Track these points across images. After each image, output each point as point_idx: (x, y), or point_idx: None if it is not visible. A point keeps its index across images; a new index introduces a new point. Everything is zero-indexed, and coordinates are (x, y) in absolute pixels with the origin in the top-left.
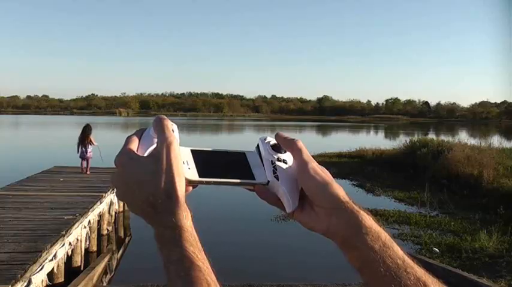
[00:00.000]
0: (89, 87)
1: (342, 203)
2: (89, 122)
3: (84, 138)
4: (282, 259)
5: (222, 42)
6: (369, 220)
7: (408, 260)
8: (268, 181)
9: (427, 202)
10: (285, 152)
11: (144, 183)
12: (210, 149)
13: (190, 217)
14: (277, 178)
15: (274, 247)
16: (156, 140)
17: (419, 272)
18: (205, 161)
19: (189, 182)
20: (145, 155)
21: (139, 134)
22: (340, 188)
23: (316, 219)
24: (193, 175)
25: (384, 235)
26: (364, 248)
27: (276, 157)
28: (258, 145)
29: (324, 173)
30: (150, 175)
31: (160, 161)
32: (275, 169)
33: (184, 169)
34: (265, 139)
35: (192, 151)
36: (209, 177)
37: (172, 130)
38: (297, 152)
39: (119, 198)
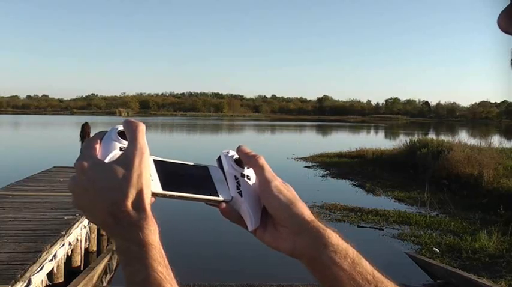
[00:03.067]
0: (89, 87)
1: (307, 223)
2: (89, 122)
3: (85, 136)
4: (282, 259)
5: (222, 42)
6: (335, 238)
7: (378, 275)
8: (232, 197)
9: (427, 202)
10: (248, 167)
11: (107, 191)
12: (172, 160)
13: (157, 232)
14: (240, 194)
15: None
16: (117, 144)
17: (390, 285)
18: (168, 173)
19: (151, 195)
20: (106, 160)
21: (100, 137)
22: (304, 207)
23: (280, 239)
24: (157, 187)
25: (352, 251)
26: (332, 266)
27: (239, 172)
28: (219, 158)
29: (289, 192)
30: (116, 183)
31: (131, 169)
32: (239, 184)
33: None
34: (227, 153)
35: (154, 160)
36: (172, 190)
37: None
38: (259, 169)
39: (75, 205)
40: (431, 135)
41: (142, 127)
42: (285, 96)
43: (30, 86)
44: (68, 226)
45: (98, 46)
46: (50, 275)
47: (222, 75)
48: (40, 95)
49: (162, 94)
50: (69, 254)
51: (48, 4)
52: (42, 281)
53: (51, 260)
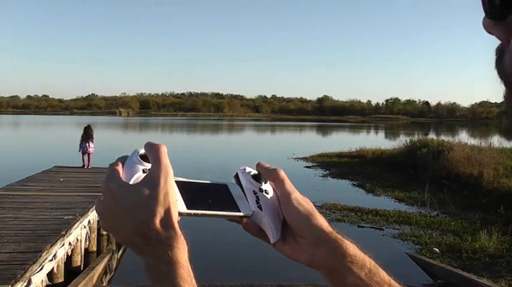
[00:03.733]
0: (89, 87)
1: (325, 234)
2: (89, 122)
3: (87, 137)
4: (283, 259)
5: (222, 42)
6: (353, 249)
7: (394, 284)
8: (253, 212)
9: (427, 202)
10: (266, 182)
11: (136, 211)
12: (193, 180)
13: (186, 250)
14: (260, 208)
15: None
16: (140, 167)
17: None
18: (190, 193)
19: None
20: (131, 182)
21: (123, 161)
22: (323, 219)
23: (300, 250)
24: (181, 207)
25: (369, 262)
26: (350, 276)
27: (258, 187)
28: (236, 175)
29: (307, 204)
30: (143, 203)
31: (157, 188)
32: (258, 199)
33: None
34: (244, 169)
35: (176, 181)
36: (196, 209)
37: None
38: (279, 182)
39: (104, 228)
40: (432, 135)
41: (164, 148)
42: (285, 96)
43: (30, 86)
44: (68, 226)
45: (98, 46)
46: (50, 275)
47: (222, 75)
48: (40, 95)
49: (162, 94)
50: (69, 254)
51: (49, 6)
52: (42, 281)
53: (51, 260)
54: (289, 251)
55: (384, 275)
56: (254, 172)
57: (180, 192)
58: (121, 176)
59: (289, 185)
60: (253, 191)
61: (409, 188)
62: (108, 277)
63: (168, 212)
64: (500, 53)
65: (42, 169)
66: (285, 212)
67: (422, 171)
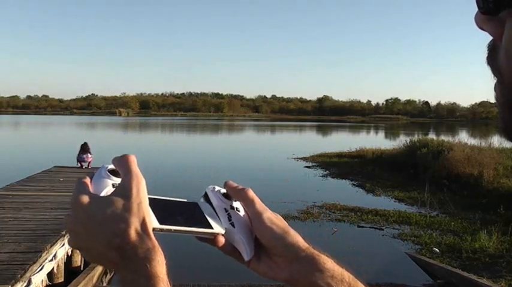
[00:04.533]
0: (89, 87)
1: (302, 251)
2: (88, 122)
3: (84, 151)
4: None
5: (222, 42)
6: (331, 263)
7: None
8: (226, 229)
9: (427, 202)
10: (236, 200)
11: (109, 223)
12: (162, 197)
13: (164, 263)
14: (232, 225)
15: None
16: (109, 181)
17: None
18: (162, 209)
19: None
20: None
21: (90, 176)
22: (297, 235)
23: (276, 268)
24: (154, 222)
25: (348, 276)
26: None
27: (229, 205)
28: (205, 195)
29: (280, 221)
30: (116, 214)
31: (130, 198)
32: (230, 216)
33: None
34: (214, 188)
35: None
36: (168, 224)
37: None
38: (249, 202)
39: (72, 244)
40: (432, 135)
41: (133, 158)
42: (285, 96)
43: (30, 86)
44: None
45: (98, 46)
46: (50, 275)
47: (222, 75)
48: (40, 95)
49: (162, 94)
50: (69, 254)
51: (49, 6)
52: (42, 281)
53: (51, 260)
54: (264, 269)
55: None
56: (224, 190)
57: (152, 208)
58: (91, 190)
59: (259, 204)
60: (225, 209)
61: (409, 188)
62: (108, 277)
63: (143, 223)
64: (492, 49)
65: (42, 169)
66: (259, 232)
67: (422, 171)
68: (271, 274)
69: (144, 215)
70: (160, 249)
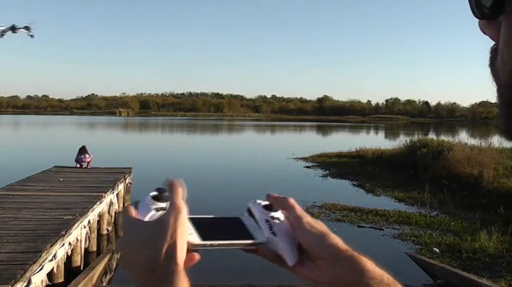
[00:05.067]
0: (89, 87)
1: (342, 252)
2: (88, 122)
3: (83, 152)
4: None
5: (222, 42)
6: (371, 265)
7: None
8: (267, 239)
9: (427, 202)
10: (277, 210)
11: (145, 247)
12: (206, 215)
13: (188, 286)
14: (274, 234)
15: None
16: (152, 206)
17: None
18: (205, 227)
19: (192, 246)
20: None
21: (135, 204)
22: (337, 238)
23: (319, 271)
24: (195, 239)
25: (387, 277)
26: None
27: (269, 216)
28: (248, 209)
29: (320, 226)
30: (152, 240)
31: (165, 226)
32: (271, 226)
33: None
34: (255, 201)
35: (190, 218)
36: (211, 240)
37: None
38: (290, 209)
39: (122, 265)
40: (431, 136)
41: (178, 188)
42: (285, 96)
43: (30, 86)
44: (68, 226)
45: (98, 46)
46: (50, 275)
47: (222, 75)
48: (40, 95)
49: (162, 94)
50: (69, 254)
51: (49, 6)
52: (42, 281)
53: (51, 260)
54: (308, 273)
55: None
56: (265, 202)
57: (195, 228)
58: (136, 216)
59: (299, 210)
60: (266, 220)
61: (409, 188)
62: (108, 277)
63: (173, 249)
64: (494, 53)
65: (42, 169)
66: (299, 236)
67: (422, 171)
68: (315, 277)
69: (176, 241)
70: (184, 273)
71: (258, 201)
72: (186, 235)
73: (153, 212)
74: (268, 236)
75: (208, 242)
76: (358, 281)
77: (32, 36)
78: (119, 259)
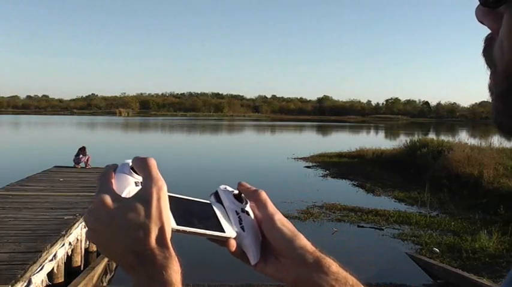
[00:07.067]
0: (89, 87)
1: (310, 253)
2: (88, 122)
3: (80, 152)
4: None
5: (222, 42)
6: (335, 266)
7: None
8: (237, 233)
9: (427, 202)
10: (247, 202)
11: (129, 229)
12: (179, 195)
13: (180, 272)
14: (242, 229)
15: None
16: (131, 179)
17: None
18: (179, 209)
19: None
20: (123, 195)
21: (113, 169)
22: (305, 239)
23: (283, 270)
24: (172, 223)
25: (351, 279)
26: None
27: (240, 208)
28: (216, 193)
29: (289, 225)
30: (138, 220)
31: (151, 206)
32: (240, 219)
33: None
34: (225, 188)
35: (168, 196)
36: (184, 226)
37: None
38: (261, 203)
39: (96, 242)
40: (432, 136)
41: (153, 161)
42: (285, 96)
43: (30, 86)
44: (68, 225)
45: (98, 46)
46: (50, 275)
47: (222, 75)
48: (40, 95)
49: (162, 94)
50: (69, 254)
51: (49, 6)
52: (42, 281)
53: (51, 260)
54: (272, 271)
55: None
56: (235, 191)
57: (170, 208)
58: (113, 186)
59: (271, 206)
60: (236, 211)
61: (409, 188)
62: (108, 277)
63: (162, 231)
64: (489, 41)
65: (42, 169)
66: (269, 233)
67: (422, 171)
68: (279, 275)
69: (164, 223)
70: (176, 258)
71: (229, 188)
72: (170, 216)
73: (132, 185)
74: (237, 230)
75: (181, 228)
76: (322, 282)
77: None
78: (88, 233)
